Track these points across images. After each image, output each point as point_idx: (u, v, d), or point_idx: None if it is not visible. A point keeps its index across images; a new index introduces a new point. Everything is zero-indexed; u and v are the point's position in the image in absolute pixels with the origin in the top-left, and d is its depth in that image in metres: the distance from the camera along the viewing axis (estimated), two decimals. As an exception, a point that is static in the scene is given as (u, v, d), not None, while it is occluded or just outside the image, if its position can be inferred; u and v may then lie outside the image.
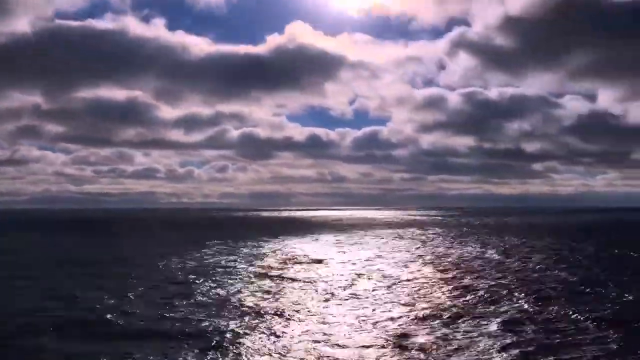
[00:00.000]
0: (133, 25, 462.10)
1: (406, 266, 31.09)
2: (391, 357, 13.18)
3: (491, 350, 13.58)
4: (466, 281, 24.98)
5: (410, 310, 18.23)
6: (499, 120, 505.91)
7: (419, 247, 44.73)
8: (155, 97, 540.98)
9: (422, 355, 13.19)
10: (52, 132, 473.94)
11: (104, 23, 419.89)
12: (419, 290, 22.71)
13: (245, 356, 13.14)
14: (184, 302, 19.97)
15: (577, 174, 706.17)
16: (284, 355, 13.13)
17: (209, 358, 13.10)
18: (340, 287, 23.48)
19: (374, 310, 18.45)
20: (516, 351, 13.39)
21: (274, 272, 28.28)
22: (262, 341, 14.40)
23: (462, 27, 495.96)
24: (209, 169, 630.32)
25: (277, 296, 21.17)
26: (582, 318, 17.02)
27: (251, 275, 27.20)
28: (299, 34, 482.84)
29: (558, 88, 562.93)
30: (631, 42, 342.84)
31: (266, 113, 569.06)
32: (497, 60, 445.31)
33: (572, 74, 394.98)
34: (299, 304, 19.64)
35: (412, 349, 13.64)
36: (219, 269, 29.96)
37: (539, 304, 19.27)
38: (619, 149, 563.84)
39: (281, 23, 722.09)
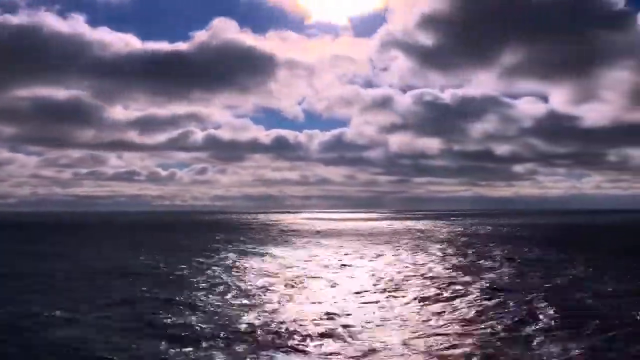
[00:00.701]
0: (50, 21, 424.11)
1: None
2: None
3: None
4: None
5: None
6: (459, 122, 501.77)
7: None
8: (99, 97, 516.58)
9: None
10: (4, 133, 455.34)
11: (20, 18, 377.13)
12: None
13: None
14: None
15: (560, 177, 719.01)
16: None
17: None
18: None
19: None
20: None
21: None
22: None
23: (389, 25, 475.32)
24: (190, 172, 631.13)
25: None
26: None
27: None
28: (225, 30, 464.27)
29: (506, 88, 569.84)
30: (568, 40, 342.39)
31: (223, 114, 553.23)
32: (432, 60, 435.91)
33: (511, 73, 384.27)
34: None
35: None
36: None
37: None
38: (592, 151, 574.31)
39: (204, 19, 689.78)
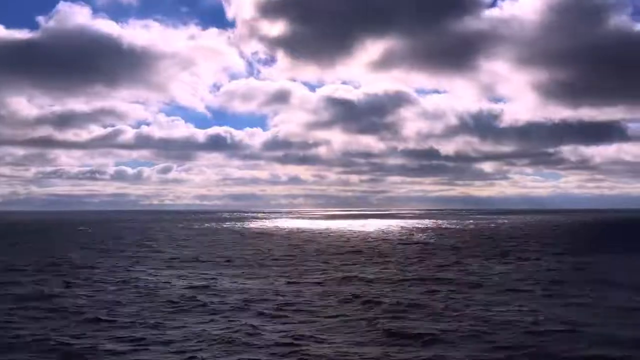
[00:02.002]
0: None
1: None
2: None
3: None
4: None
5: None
6: (378, 119, 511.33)
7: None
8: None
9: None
10: None
11: None
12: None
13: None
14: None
15: (527, 175, 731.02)
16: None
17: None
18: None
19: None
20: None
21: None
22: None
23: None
24: (153, 171, 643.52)
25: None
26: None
27: None
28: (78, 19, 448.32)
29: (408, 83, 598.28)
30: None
31: (139, 109, 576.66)
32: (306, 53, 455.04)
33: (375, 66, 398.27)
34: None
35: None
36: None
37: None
38: (540, 149, 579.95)
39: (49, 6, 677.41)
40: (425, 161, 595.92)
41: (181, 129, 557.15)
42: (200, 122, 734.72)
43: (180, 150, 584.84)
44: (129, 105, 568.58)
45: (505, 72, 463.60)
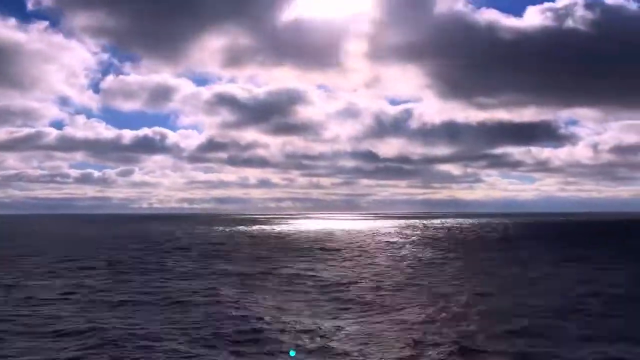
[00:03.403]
0: None
1: None
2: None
3: None
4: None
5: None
6: (283, 118, 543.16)
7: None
8: None
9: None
10: None
11: None
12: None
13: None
14: None
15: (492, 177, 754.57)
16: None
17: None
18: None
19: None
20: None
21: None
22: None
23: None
24: (113, 174, 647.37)
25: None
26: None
27: None
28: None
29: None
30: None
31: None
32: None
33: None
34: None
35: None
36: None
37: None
38: (496, 151, 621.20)
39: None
40: (373, 164, 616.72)
41: (104, 130, 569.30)
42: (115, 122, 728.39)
43: (119, 153, 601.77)
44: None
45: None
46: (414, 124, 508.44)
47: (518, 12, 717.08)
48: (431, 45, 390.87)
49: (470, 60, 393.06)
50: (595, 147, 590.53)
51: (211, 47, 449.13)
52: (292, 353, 15.23)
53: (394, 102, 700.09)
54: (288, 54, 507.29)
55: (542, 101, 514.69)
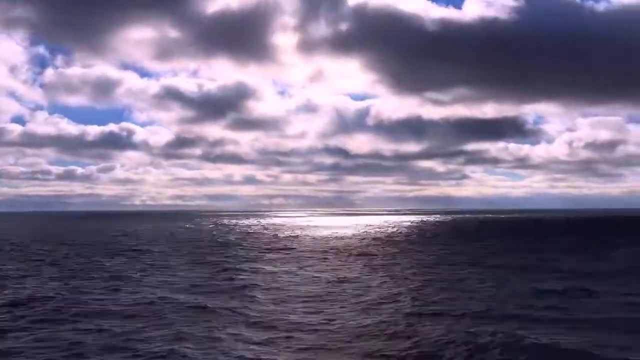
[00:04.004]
0: None
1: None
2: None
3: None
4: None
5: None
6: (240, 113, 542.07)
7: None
8: None
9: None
10: None
11: None
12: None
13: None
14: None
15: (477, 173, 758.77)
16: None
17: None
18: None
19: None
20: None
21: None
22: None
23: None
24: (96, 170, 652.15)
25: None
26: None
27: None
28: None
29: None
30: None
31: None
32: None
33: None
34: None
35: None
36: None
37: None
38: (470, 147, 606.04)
39: None
40: (350, 160, 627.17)
41: (68, 126, 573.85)
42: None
43: (92, 149, 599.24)
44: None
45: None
46: (377, 120, 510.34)
47: (457, 4, 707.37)
48: (366, 37, 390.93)
49: (412, 53, 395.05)
50: (570, 144, 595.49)
51: (140, 39, 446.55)
52: None
53: (354, 97, 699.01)
54: (219, 46, 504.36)
55: (499, 97, 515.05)
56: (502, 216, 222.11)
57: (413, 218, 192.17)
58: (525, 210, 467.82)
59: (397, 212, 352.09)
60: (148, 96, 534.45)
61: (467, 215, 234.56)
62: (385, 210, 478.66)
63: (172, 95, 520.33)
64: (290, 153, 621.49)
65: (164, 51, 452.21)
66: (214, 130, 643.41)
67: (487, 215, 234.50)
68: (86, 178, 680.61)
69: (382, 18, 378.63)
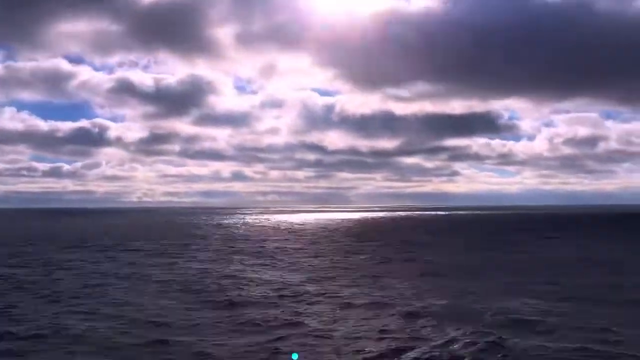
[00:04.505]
0: None
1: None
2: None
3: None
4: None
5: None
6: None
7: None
8: None
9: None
10: None
11: None
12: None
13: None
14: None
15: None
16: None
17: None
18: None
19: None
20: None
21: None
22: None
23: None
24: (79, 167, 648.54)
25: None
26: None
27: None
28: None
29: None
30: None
31: None
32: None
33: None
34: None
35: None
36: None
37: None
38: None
39: None
40: (332, 156, 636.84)
41: (39, 122, 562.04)
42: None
43: (70, 146, 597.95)
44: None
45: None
46: (344, 116, 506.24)
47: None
48: (316, 32, 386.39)
49: (364, 49, 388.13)
50: (551, 140, 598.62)
51: (79, 32, 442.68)
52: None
53: (321, 93, 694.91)
54: (160, 39, 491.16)
55: (464, 93, 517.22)
56: (466, 212, 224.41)
57: (383, 214, 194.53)
58: (519, 207, 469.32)
59: (389, 209, 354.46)
60: (103, 90, 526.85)
61: (439, 213, 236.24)
62: (378, 207, 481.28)
63: (129, 90, 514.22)
64: (267, 149, 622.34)
65: (105, 44, 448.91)
66: (182, 126, 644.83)
67: (455, 212, 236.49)
68: (72, 175, 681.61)
69: (328, 13, 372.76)
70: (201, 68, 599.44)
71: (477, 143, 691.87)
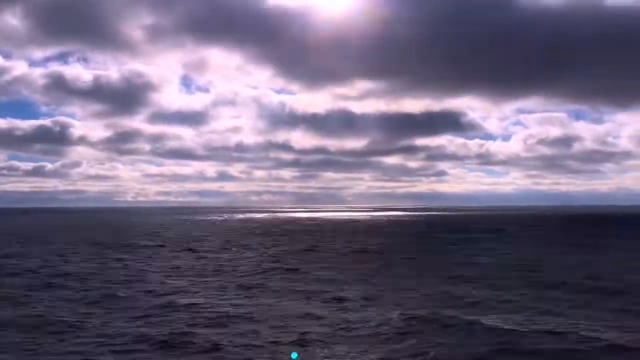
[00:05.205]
0: None
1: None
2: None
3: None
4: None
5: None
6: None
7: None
8: None
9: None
10: None
11: None
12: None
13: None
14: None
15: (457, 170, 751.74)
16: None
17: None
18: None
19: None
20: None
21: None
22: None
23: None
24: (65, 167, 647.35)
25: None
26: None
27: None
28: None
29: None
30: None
31: None
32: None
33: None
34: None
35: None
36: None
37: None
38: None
39: None
40: (313, 156, 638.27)
41: None
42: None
43: (37, 144, 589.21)
44: None
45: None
46: (300, 114, 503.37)
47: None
48: (249, 30, 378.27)
49: (300, 46, 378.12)
50: (525, 141, 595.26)
51: None
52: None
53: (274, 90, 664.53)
54: (71, 32, 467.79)
55: (413, 91, 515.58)
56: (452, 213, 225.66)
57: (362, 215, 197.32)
58: (513, 207, 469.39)
59: (389, 209, 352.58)
60: (39, 86, 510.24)
61: (419, 213, 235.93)
62: (370, 208, 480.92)
63: (68, 86, 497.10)
64: (237, 149, 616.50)
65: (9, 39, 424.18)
66: (139, 125, 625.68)
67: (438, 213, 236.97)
68: (53, 174, 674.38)
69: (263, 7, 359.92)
70: (120, 63, 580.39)
71: (454, 143, 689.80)
